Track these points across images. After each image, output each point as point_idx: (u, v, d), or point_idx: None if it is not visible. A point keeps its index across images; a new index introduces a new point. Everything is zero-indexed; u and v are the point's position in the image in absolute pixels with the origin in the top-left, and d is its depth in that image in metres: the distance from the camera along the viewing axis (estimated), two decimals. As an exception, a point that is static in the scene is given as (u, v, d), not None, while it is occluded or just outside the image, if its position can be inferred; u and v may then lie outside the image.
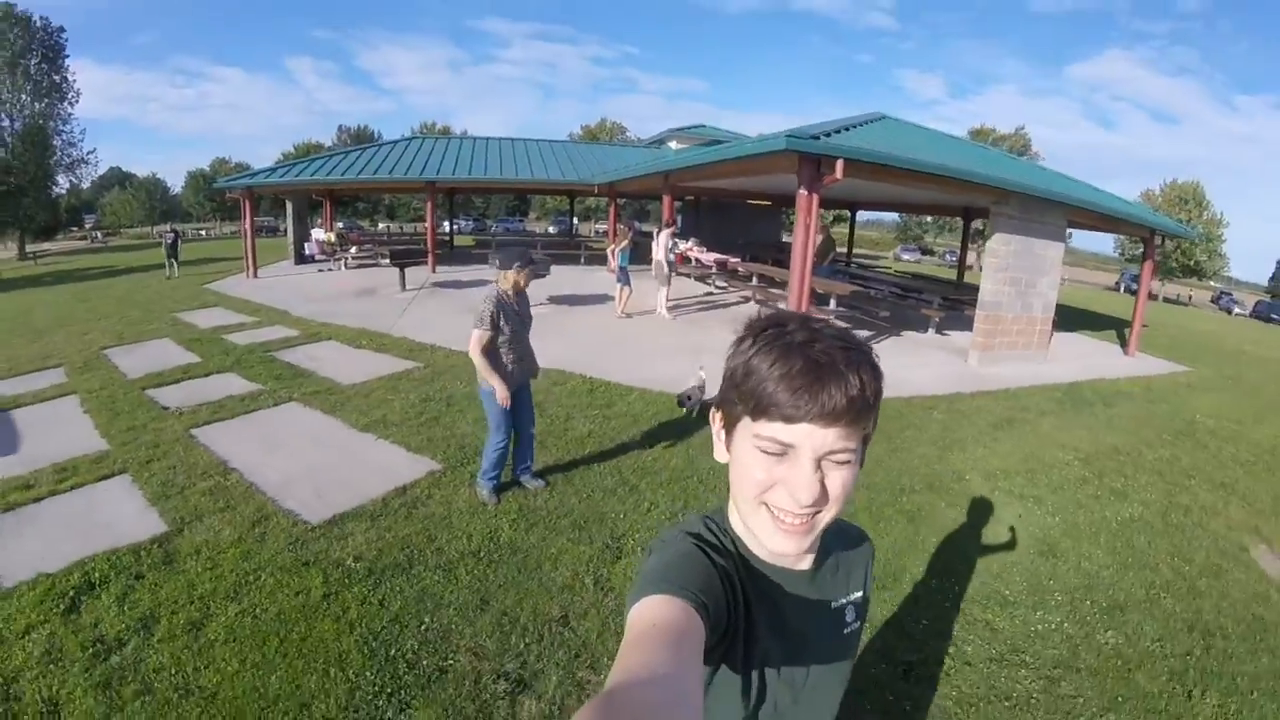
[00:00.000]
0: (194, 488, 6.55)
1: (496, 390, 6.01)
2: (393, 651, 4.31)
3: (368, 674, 4.09)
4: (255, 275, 22.90)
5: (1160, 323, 29.17)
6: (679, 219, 26.95)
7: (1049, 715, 4.14)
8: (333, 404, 9.16)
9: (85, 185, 66.73)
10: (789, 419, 1.06)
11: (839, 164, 10.31)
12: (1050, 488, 7.95)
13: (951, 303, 18.99)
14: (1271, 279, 66.58)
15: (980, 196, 13.40)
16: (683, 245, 21.55)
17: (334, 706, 3.81)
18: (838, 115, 18.27)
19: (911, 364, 13.53)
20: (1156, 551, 6.60)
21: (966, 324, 16.74)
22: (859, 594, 1.44)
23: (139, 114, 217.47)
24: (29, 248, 50.02)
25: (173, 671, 4.02)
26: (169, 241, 26.18)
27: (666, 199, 18.16)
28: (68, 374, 10.50)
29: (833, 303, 16.00)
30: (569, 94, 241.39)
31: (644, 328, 15.10)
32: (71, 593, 4.76)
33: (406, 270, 20.37)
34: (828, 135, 11.11)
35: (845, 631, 1.39)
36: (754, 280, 19.65)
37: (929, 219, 76.02)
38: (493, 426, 6.27)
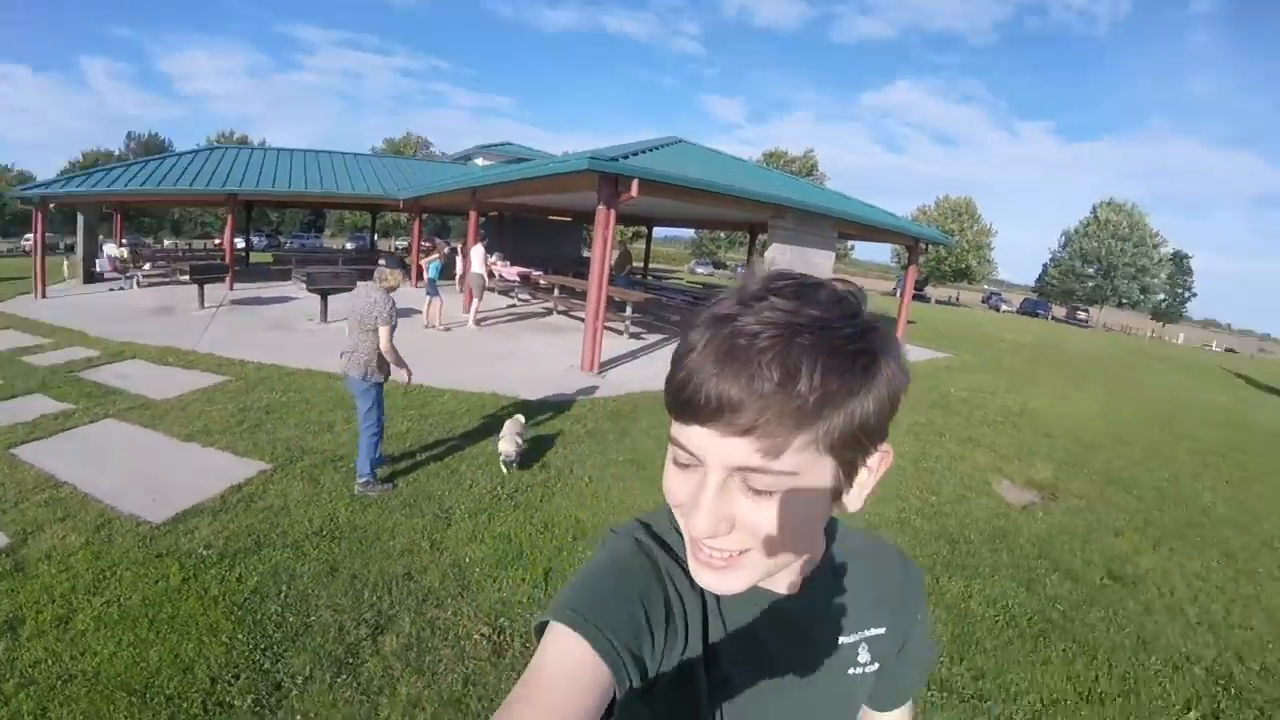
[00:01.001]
0: (27, 501, 6.67)
1: (403, 375, 7.30)
2: (259, 616, 4.94)
3: (239, 636, 4.71)
4: (44, 295, 21.71)
5: (929, 320, 32.74)
6: (483, 234, 27.58)
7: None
8: (150, 418, 9.31)
9: None
10: (679, 418, 0.82)
11: (634, 183, 11.52)
12: None
13: None
14: (1037, 279, 74.60)
15: (761, 213, 14.97)
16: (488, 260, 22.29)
17: (215, 665, 4.40)
18: (642, 137, 19.46)
19: None
20: (907, 487, 8.19)
21: None
22: (881, 630, 1.14)
23: None
24: None
25: (50, 663, 4.36)
26: None
27: (473, 214, 18.91)
28: None
29: (629, 309, 17.15)
30: (374, 106, 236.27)
31: (453, 337, 16.01)
32: None
33: (205, 287, 20.00)
34: (625, 157, 12.23)
35: (850, 671, 1.10)
36: (556, 292, 20.70)
37: (722, 235, 79.73)
38: (374, 419, 7.05)
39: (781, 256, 15.40)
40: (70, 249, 31.88)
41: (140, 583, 5.34)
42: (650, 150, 14.62)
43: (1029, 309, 63.11)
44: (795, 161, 71.98)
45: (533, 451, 8.29)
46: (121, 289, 23.85)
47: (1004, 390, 15.10)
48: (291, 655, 4.55)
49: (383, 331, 6.91)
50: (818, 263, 16.50)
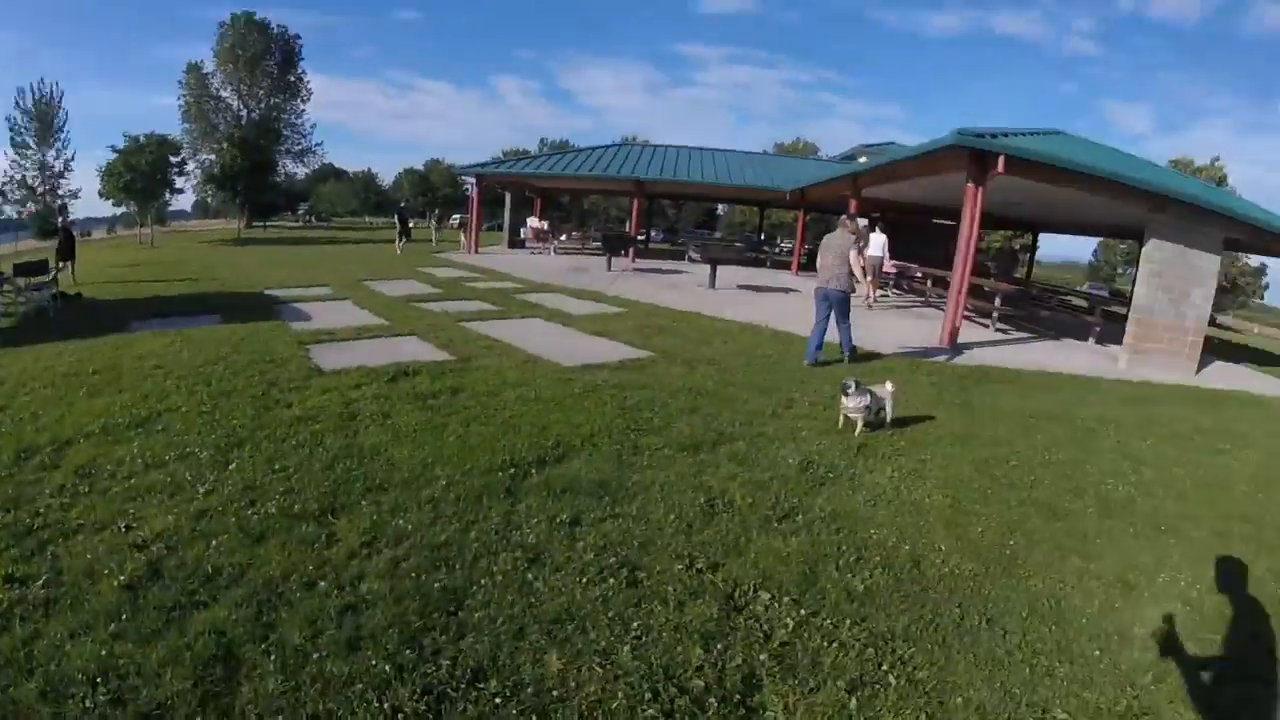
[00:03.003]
0: (471, 344, 9.62)
1: (864, 288, 10.67)
2: (635, 416, 7.07)
3: (618, 421, 6.82)
4: (476, 251, 26.25)
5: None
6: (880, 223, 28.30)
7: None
8: (565, 320, 12.04)
9: (304, 175, 76.46)
10: None
11: (1000, 159, 12.10)
12: (1155, 436, 9.21)
13: (1110, 314, 19.52)
14: None
15: (1138, 204, 14.47)
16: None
17: (594, 428, 6.54)
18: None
19: (1062, 357, 14.88)
20: (1237, 481, 7.72)
21: None
22: None
23: (352, 118, 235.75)
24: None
25: (477, 408, 6.85)
26: (400, 216, 29.92)
27: (853, 204, 20.01)
28: (334, 291, 13.65)
29: (997, 300, 17.41)
30: (762, 117, 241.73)
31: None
32: (391, 374, 7.70)
33: (612, 258, 23.14)
34: (993, 136, 12.79)
35: None
36: (929, 284, 21.52)
37: (1119, 256, 73.83)
38: (849, 316, 10.65)
39: (1159, 254, 14.74)
40: (498, 226, 37.76)
41: (552, 388, 7.72)
42: (1025, 134, 14.78)
43: None
44: (1202, 171, 64.99)
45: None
46: (540, 253, 27.99)
47: None
48: (651, 437, 6.46)
49: (854, 256, 10.22)
50: (1199, 265, 15.29)
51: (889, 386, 7.52)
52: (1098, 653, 4.01)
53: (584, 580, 4.04)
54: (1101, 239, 72.46)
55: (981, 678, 3.62)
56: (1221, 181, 63.27)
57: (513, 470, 5.42)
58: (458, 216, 67.69)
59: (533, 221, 32.14)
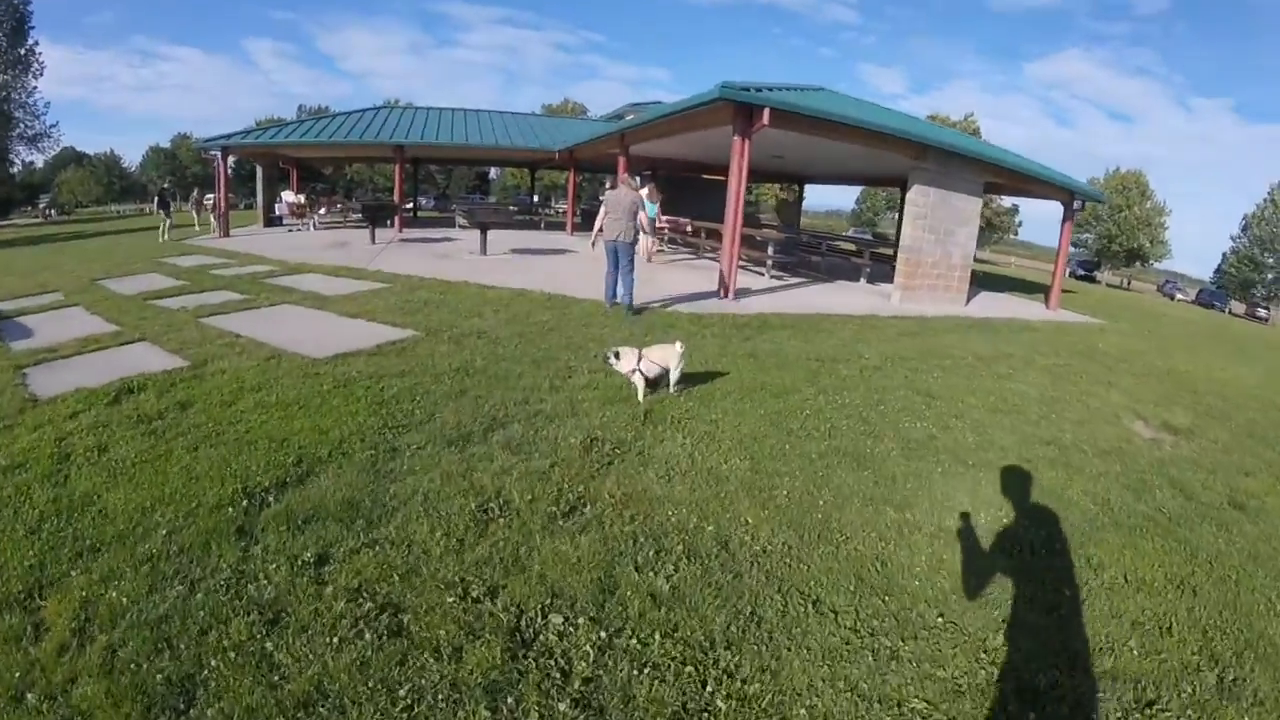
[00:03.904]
0: (209, 344, 8.05)
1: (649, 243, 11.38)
2: (392, 410, 6.04)
3: (372, 420, 5.78)
4: (227, 234, 23.77)
5: (1096, 297, 31.19)
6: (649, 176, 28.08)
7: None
8: (320, 304, 10.64)
9: (41, 163, 66.69)
10: None
11: (766, 112, 11.87)
12: (940, 368, 9.49)
13: (879, 255, 20.36)
14: (1216, 270, 67.44)
15: (901, 153, 14.88)
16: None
17: (347, 432, 5.51)
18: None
19: (838, 298, 15.23)
20: (1028, 406, 8.12)
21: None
22: None
23: (95, 94, 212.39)
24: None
25: (209, 425, 5.59)
26: (160, 199, 26.14)
27: (622, 162, 19.56)
28: (66, 296, 11.56)
29: (770, 249, 17.47)
30: (531, 79, 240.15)
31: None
32: (114, 394, 6.22)
33: (376, 229, 21.64)
34: (757, 90, 12.54)
35: None
36: (703, 235, 21.36)
37: (882, 203, 78.06)
38: (634, 269, 11.10)
39: (923, 199, 15.25)
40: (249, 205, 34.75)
41: (297, 387, 6.53)
42: (790, 90, 14.77)
43: (1205, 300, 54.24)
44: (956, 125, 69.33)
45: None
46: (299, 230, 25.90)
47: (1155, 352, 13.97)
48: (411, 434, 5.55)
49: (641, 213, 10.90)
50: (960, 207, 16.16)
51: (678, 347, 6.90)
52: (940, 619, 3.77)
53: (336, 640, 3.21)
54: (864, 188, 76.41)
55: (821, 677, 3.26)
56: (975, 134, 67.55)
57: (246, 502, 4.36)
58: (212, 197, 62.14)
59: (288, 196, 29.66)
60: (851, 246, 28.20)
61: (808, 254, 21.21)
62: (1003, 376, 9.46)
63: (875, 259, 20.47)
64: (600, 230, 11.07)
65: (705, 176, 30.96)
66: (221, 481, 4.61)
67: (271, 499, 4.44)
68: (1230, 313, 50.08)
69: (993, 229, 68.17)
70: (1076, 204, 20.68)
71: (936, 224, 15.81)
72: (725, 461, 5.44)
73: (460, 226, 26.14)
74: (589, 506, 4.56)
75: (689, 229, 22.68)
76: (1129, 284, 66.11)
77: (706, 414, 6.46)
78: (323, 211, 28.09)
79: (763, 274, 17.12)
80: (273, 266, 14.77)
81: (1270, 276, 59.71)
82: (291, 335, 8.51)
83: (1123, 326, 18.42)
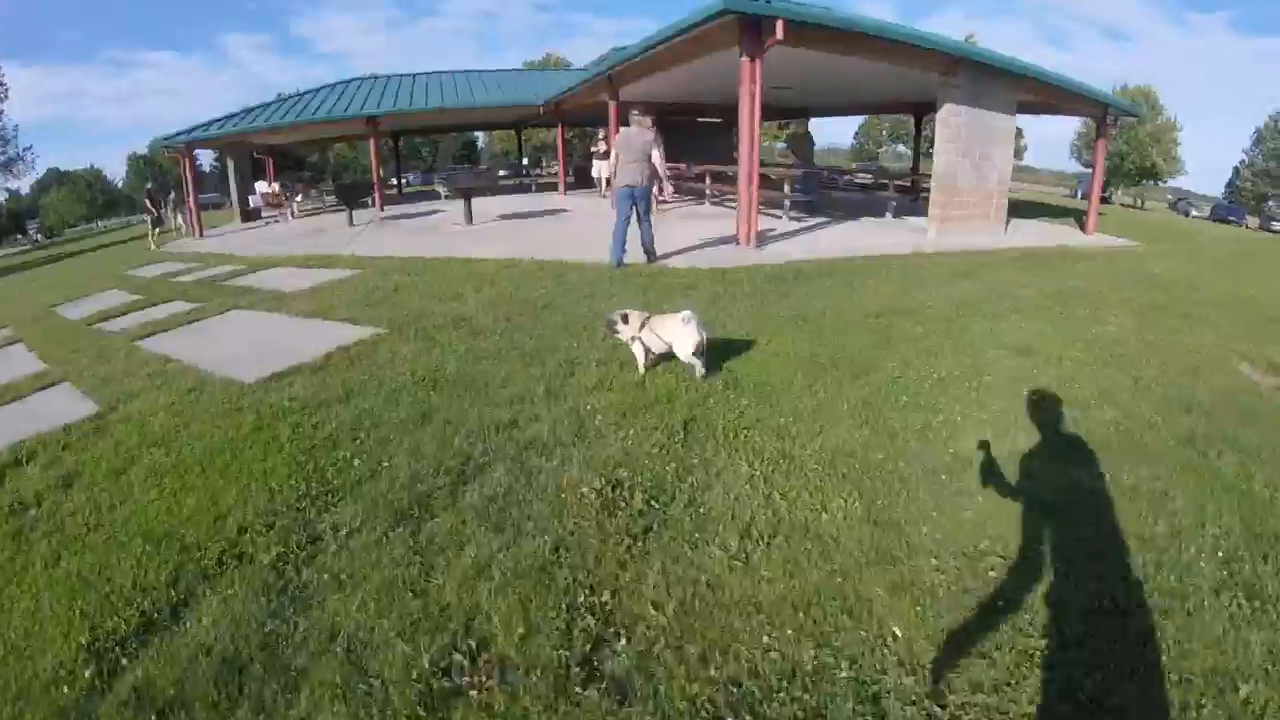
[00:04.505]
0: (134, 376, 6.38)
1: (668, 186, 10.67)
2: (322, 462, 4.29)
3: (292, 483, 4.05)
4: (201, 235, 21.98)
5: (1118, 217, 29.49)
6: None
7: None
8: (276, 304, 8.95)
9: (23, 188, 64.52)
10: None
11: (779, 24, 9.98)
12: (1015, 313, 7.92)
13: (906, 189, 18.96)
14: (1227, 185, 66.06)
15: (931, 69, 13.11)
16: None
17: (252, 513, 3.77)
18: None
19: (870, 238, 13.44)
20: (1135, 355, 6.58)
21: (926, 212, 16.71)
22: None
23: (73, 111, 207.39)
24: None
25: (87, 512, 3.98)
26: (150, 202, 23.53)
27: (614, 109, 17.73)
28: (14, 331, 9.79)
29: (786, 187, 15.71)
30: (512, 41, 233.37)
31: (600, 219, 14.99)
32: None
33: (355, 210, 19.87)
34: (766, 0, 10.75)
35: None
36: (707, 180, 19.50)
37: (886, 134, 75.71)
38: (651, 213, 10.19)
39: (956, 119, 13.62)
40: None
41: (210, 434, 4.83)
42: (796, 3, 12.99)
43: (1220, 215, 53.14)
44: (955, 46, 66.97)
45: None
46: (277, 221, 24.12)
47: (1210, 276, 12.52)
48: (344, 505, 3.82)
49: (655, 153, 9.78)
50: (995, 126, 14.60)
51: (684, 319, 5.27)
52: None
53: None
54: (865, 119, 73.86)
55: None
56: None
57: (93, 670, 2.72)
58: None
59: (261, 186, 27.67)
60: (869, 180, 26.47)
61: (828, 191, 19.46)
62: (1086, 319, 7.91)
63: (900, 191, 18.78)
64: (609, 179, 10.01)
65: (700, 120, 29.07)
66: (68, 628, 2.98)
67: (126, 662, 2.79)
68: (1247, 227, 48.83)
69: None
70: (1110, 119, 19.16)
71: (971, 146, 14.12)
72: (823, 506, 3.69)
73: (445, 198, 24.40)
74: (623, 642, 2.78)
75: (691, 174, 20.79)
76: (1142, 203, 63.95)
77: (770, 416, 4.76)
78: (299, 199, 26.25)
79: (780, 216, 15.27)
80: (239, 265, 13.08)
81: None
82: (230, 351, 6.88)
83: (1163, 248, 16.88)
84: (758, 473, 4.03)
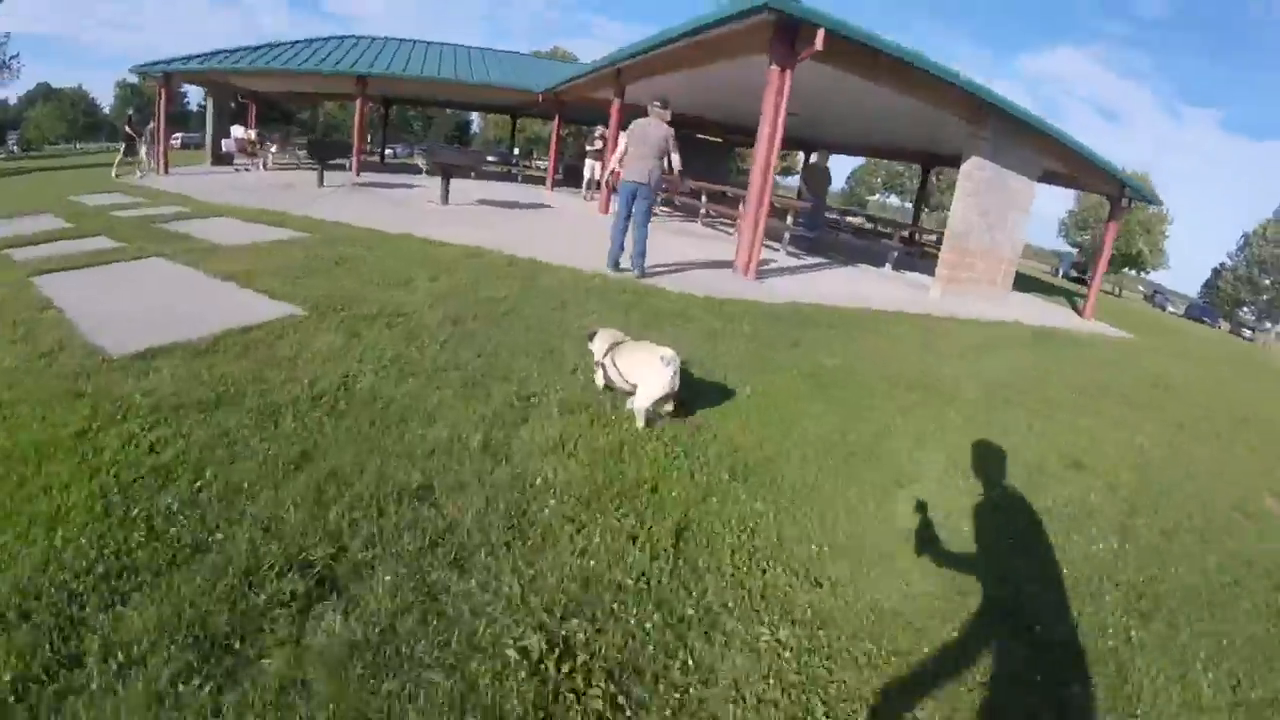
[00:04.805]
0: (6, 322, 5.08)
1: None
2: (135, 513, 2.88)
3: (80, 545, 2.65)
4: (165, 172, 20.47)
5: (1102, 304, 28.76)
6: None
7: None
8: (199, 258, 7.56)
9: (10, 98, 62.05)
10: None
11: (820, 34, 8.79)
12: (1050, 405, 6.96)
13: (909, 241, 18.10)
14: (1205, 284, 66.82)
15: (960, 114, 12.03)
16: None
17: None
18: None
19: (870, 287, 12.44)
20: (1179, 482, 5.62)
21: (924, 268, 16.26)
22: None
23: (75, 30, 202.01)
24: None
25: None
26: (129, 129, 21.99)
27: (616, 105, 16.46)
28: None
29: (789, 219, 14.61)
30: (520, 35, 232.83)
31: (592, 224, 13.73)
32: None
33: (328, 171, 18.40)
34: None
35: None
36: (703, 198, 18.32)
37: (880, 181, 74.91)
38: (649, 221, 9.11)
39: (979, 173, 12.56)
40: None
41: (23, 427, 3.45)
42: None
43: (1195, 314, 53.07)
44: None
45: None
46: (248, 170, 22.56)
47: (1216, 383, 11.74)
48: (137, 605, 2.42)
49: (674, 152, 8.84)
50: (1016, 189, 13.72)
51: (663, 359, 4.19)
52: None
53: None
54: (861, 163, 73.06)
55: None
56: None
57: None
58: (180, 136, 56.85)
59: (237, 131, 25.81)
60: (868, 226, 25.53)
61: (833, 232, 18.58)
62: (1120, 425, 6.91)
63: (902, 242, 17.85)
64: (615, 170, 9.15)
65: (700, 137, 27.99)
66: None
67: None
68: (1220, 329, 49.38)
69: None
70: (1125, 201, 18.38)
71: (989, 205, 13.16)
72: None
73: (426, 173, 23.04)
74: None
75: (689, 190, 19.52)
76: (1120, 291, 63.84)
77: (797, 539, 3.46)
78: (274, 150, 24.65)
79: (778, 249, 14.15)
80: (186, 209, 11.66)
81: (1265, 299, 59.36)
82: (120, 308, 5.58)
83: (1157, 343, 16.16)
84: (787, 650, 2.70)
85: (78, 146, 71.23)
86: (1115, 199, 18.13)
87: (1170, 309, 56.15)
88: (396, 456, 3.56)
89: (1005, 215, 13.72)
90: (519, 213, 15.15)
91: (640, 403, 4.25)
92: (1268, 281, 59.19)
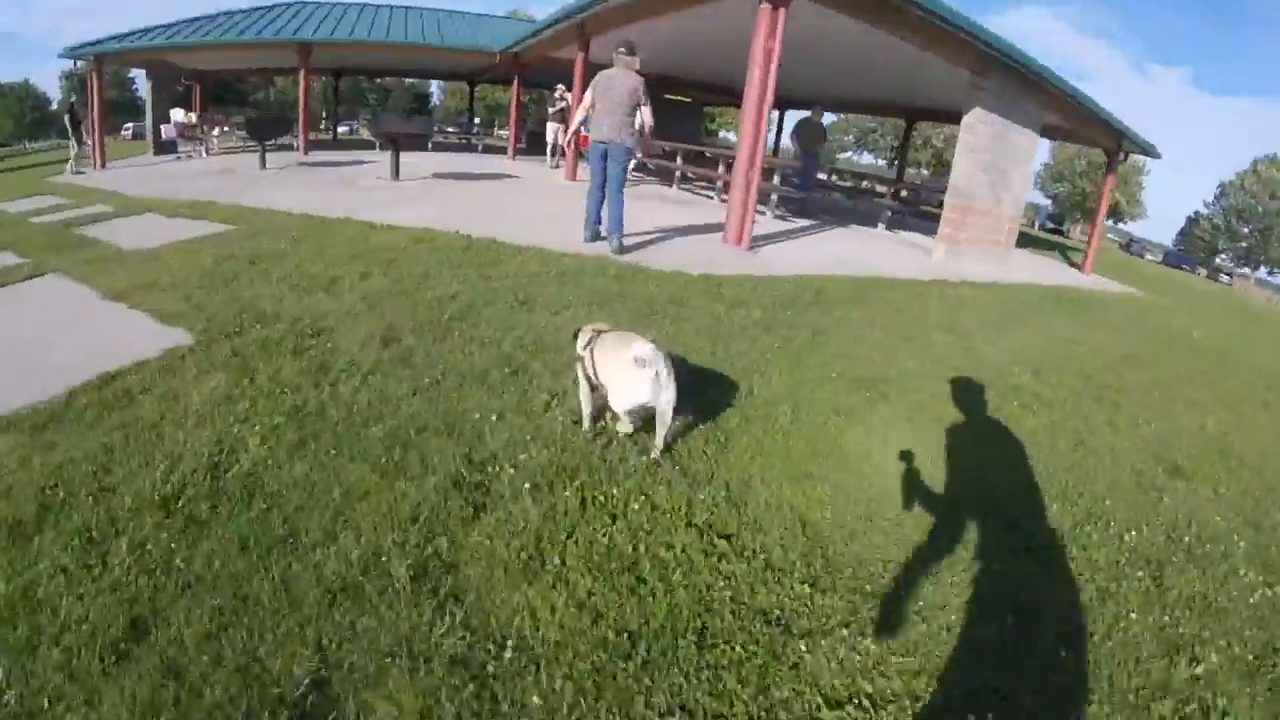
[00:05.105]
0: None
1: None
2: None
3: None
4: (103, 165, 18.89)
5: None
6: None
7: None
8: (97, 271, 6.27)
9: None
10: None
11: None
12: (1112, 390, 6.11)
13: (902, 199, 17.21)
14: (1180, 232, 67.55)
15: (963, 64, 10.82)
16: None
17: None
18: None
19: (871, 251, 11.43)
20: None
21: (917, 226, 15.85)
22: None
23: (21, 24, 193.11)
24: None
25: None
26: (72, 118, 20.57)
27: (580, 59, 14.92)
28: None
29: (776, 178, 13.41)
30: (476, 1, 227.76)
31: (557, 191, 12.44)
32: None
33: (270, 151, 16.75)
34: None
35: None
36: (678, 160, 17.05)
37: (850, 141, 73.41)
38: (624, 185, 7.94)
39: (983, 128, 11.39)
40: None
41: None
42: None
43: (1174, 262, 53.63)
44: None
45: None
46: (190, 157, 21.10)
47: (1227, 338, 11.14)
48: None
49: (645, 107, 7.62)
50: (1020, 144, 12.70)
51: (636, 353, 3.15)
52: None
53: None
54: (833, 120, 71.59)
55: None
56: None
57: None
58: (131, 126, 54.19)
59: (177, 115, 24.01)
60: (862, 184, 24.24)
61: (825, 193, 17.69)
62: (1186, 409, 6.08)
63: (895, 200, 16.86)
64: (578, 130, 8.28)
65: (668, 97, 26.52)
66: None
67: None
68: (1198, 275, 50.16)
69: (945, 167, 63.63)
70: (1122, 154, 17.83)
71: (993, 161, 12.09)
72: None
73: (380, 149, 21.57)
74: None
75: (664, 151, 18.09)
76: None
77: None
78: (216, 133, 23.04)
79: (764, 213, 12.87)
80: (110, 207, 10.31)
81: (1244, 245, 60.40)
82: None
83: (1165, 302, 15.51)
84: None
85: (27, 145, 68.01)
86: (1113, 151, 17.56)
87: (1149, 256, 56.48)
88: (273, 621, 2.25)
89: (1008, 171, 12.69)
90: (478, 185, 13.78)
91: (620, 408, 3.32)
92: (1246, 230, 60.07)
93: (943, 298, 8.39)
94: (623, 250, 7.79)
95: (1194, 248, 62.13)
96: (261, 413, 3.50)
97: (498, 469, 3.17)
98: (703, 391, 3.91)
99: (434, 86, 73.89)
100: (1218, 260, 59.52)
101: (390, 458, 3.18)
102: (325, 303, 5.20)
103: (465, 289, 5.74)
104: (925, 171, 59.67)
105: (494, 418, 3.60)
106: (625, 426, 3.48)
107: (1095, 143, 18.46)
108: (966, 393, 5.00)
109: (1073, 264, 18.52)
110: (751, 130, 8.57)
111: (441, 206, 10.15)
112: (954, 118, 12.09)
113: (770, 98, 8.48)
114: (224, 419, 3.43)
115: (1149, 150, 18.13)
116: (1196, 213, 65.28)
